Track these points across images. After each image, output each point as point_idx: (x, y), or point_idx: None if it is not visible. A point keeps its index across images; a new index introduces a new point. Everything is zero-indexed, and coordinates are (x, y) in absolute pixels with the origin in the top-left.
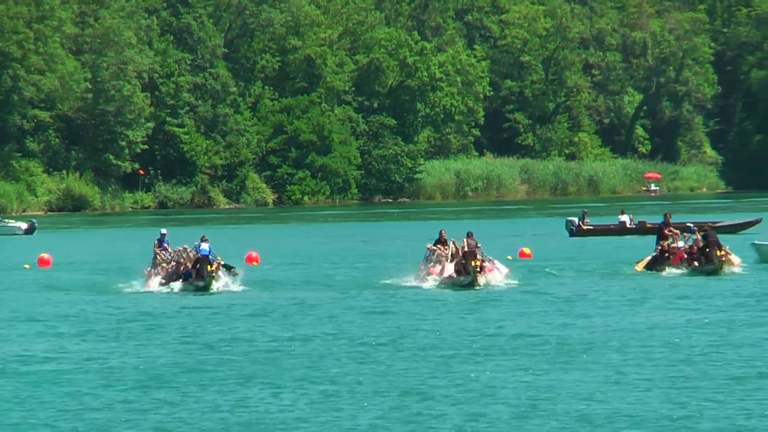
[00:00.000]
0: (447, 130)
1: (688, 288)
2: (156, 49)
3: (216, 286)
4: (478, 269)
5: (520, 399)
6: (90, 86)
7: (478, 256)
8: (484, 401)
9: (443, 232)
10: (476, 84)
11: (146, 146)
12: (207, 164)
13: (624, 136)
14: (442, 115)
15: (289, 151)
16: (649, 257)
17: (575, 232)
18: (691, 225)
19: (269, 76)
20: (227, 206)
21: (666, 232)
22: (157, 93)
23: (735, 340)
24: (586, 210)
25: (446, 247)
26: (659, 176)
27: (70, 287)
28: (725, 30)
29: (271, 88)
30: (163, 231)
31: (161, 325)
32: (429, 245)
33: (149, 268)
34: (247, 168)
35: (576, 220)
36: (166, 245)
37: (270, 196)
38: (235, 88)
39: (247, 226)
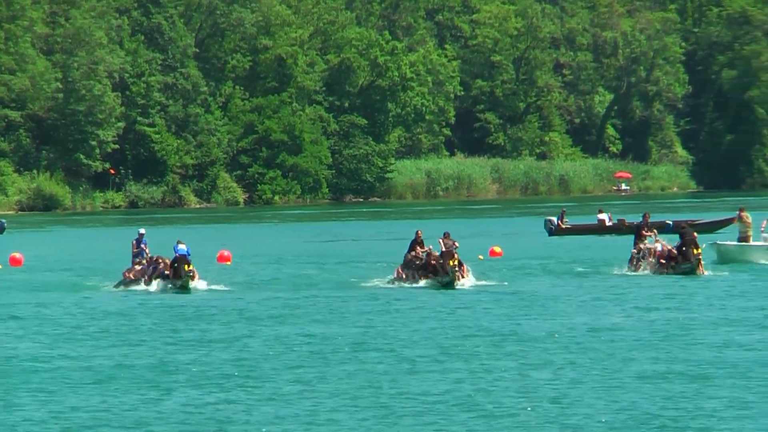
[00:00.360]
0: (418, 129)
1: (647, 289)
2: (127, 49)
3: (194, 285)
4: (456, 269)
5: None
6: (61, 86)
7: (456, 256)
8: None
9: (419, 232)
10: (447, 84)
11: (117, 146)
12: (178, 164)
13: (595, 135)
14: (413, 115)
15: (260, 150)
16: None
17: (554, 231)
18: (670, 223)
19: (240, 75)
20: (198, 206)
21: (644, 232)
22: (128, 93)
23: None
24: (565, 209)
25: (423, 248)
26: (630, 176)
27: (44, 287)
28: (696, 30)
29: (242, 88)
30: (142, 231)
31: (125, 325)
32: (406, 254)
33: (128, 269)
34: (218, 167)
35: (555, 219)
36: (144, 246)
37: (241, 196)
38: (206, 88)
39: (222, 225)
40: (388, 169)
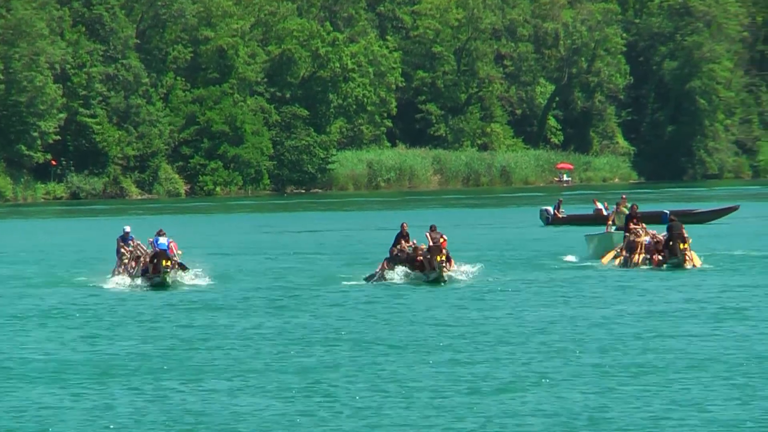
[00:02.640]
0: (359, 120)
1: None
2: (68, 40)
3: (171, 280)
4: (444, 263)
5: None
6: (2, 77)
7: (443, 251)
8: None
9: (405, 225)
10: (388, 75)
11: (58, 137)
12: (119, 155)
13: (536, 126)
14: (354, 106)
15: (202, 141)
16: (614, 251)
17: (550, 221)
18: (667, 212)
19: (181, 67)
20: (140, 197)
21: (631, 224)
22: (69, 84)
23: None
24: (561, 199)
25: (409, 242)
26: (572, 167)
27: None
28: (637, 20)
29: (184, 79)
30: (127, 229)
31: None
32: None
33: (115, 268)
34: (160, 159)
35: (551, 209)
36: (130, 242)
37: (182, 187)
38: (147, 79)
39: (179, 216)
40: (329, 160)
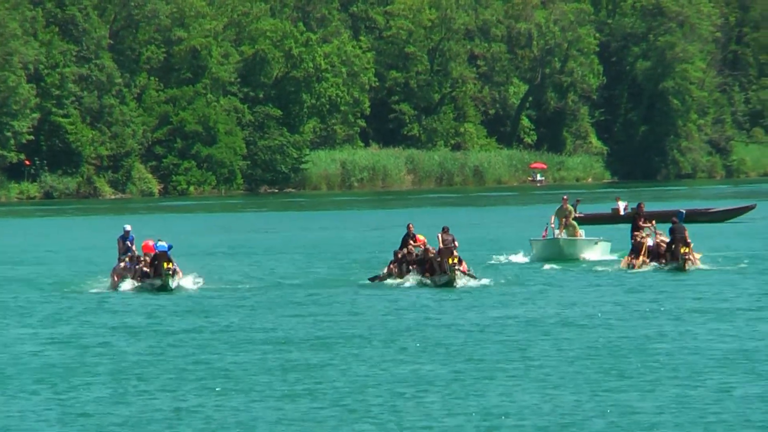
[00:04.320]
0: (332, 120)
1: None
2: (41, 40)
3: (174, 284)
4: (456, 267)
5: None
6: None
7: (455, 253)
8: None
9: (411, 226)
10: (361, 75)
11: (32, 137)
12: (93, 155)
13: (509, 126)
14: (327, 106)
15: (175, 141)
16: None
17: None
18: (683, 212)
19: (155, 67)
20: (113, 196)
21: (640, 223)
22: (42, 84)
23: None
24: (579, 199)
25: (417, 243)
26: (545, 166)
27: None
28: (610, 21)
29: (157, 79)
30: (127, 227)
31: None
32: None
33: (115, 269)
34: (133, 158)
35: None
36: (130, 243)
37: (156, 186)
38: (120, 79)
39: (156, 216)
40: (302, 159)
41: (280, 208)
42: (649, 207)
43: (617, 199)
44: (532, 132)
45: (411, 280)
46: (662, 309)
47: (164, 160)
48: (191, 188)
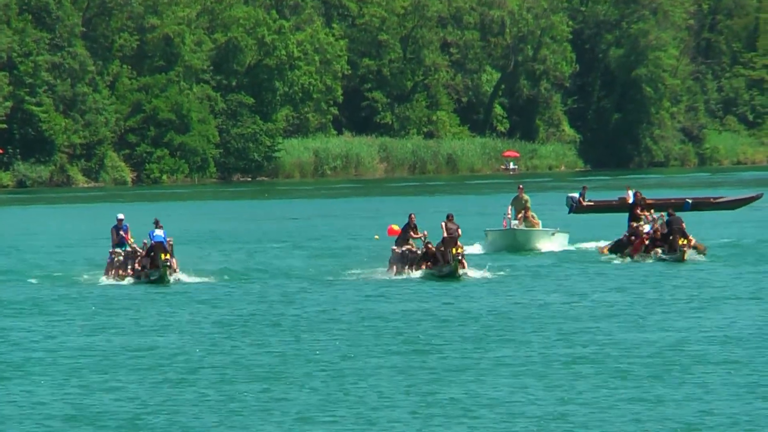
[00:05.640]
0: (305, 108)
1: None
2: (14, 28)
3: (172, 276)
4: (460, 257)
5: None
6: None
7: (459, 243)
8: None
9: (413, 216)
10: (334, 63)
11: (4, 125)
12: (66, 143)
13: (482, 114)
14: (300, 94)
15: (148, 129)
16: (613, 240)
17: (575, 208)
18: (689, 201)
19: (127, 54)
20: (86, 185)
21: (637, 212)
22: (15, 72)
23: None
24: (586, 186)
25: (417, 234)
26: (518, 155)
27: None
28: (583, 8)
29: (130, 67)
30: (120, 216)
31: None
32: (394, 248)
33: (109, 263)
34: (106, 147)
35: (576, 195)
36: (124, 233)
37: (129, 175)
38: (93, 67)
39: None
40: (275, 148)
41: (256, 196)
42: (653, 195)
43: (627, 188)
44: (504, 120)
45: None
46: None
47: (137, 149)
48: (164, 177)
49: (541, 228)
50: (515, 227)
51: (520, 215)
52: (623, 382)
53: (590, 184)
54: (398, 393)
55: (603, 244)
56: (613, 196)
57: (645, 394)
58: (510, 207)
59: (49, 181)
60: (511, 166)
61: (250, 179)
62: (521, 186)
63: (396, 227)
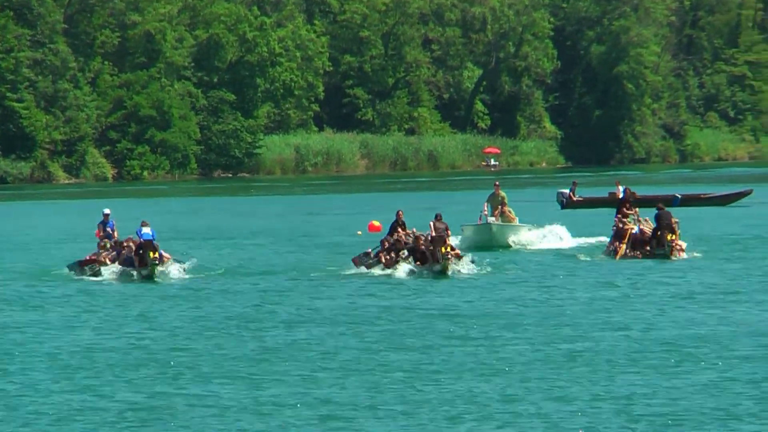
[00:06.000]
0: (287, 105)
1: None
2: None
3: (164, 266)
4: (449, 256)
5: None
6: None
7: (447, 242)
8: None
9: (401, 213)
10: (316, 59)
11: None
12: (47, 139)
13: (463, 111)
14: (281, 91)
15: (129, 126)
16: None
17: (566, 204)
18: (679, 196)
19: (109, 51)
20: (67, 181)
21: (625, 209)
22: None
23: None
24: (576, 181)
25: (406, 231)
26: (499, 151)
27: None
28: (564, 5)
29: (111, 64)
30: (106, 211)
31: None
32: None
33: (93, 253)
34: (87, 143)
35: (567, 191)
36: (110, 228)
37: (110, 171)
38: (74, 64)
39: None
40: (256, 144)
41: (237, 192)
42: (643, 191)
43: (617, 183)
44: (486, 116)
45: (401, 269)
46: (648, 298)
47: (118, 145)
48: (145, 173)
49: (517, 223)
50: (492, 222)
51: (496, 211)
52: (608, 377)
53: (569, 182)
54: (379, 391)
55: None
56: (596, 192)
57: (622, 390)
58: (486, 204)
59: (30, 178)
60: (492, 162)
61: (231, 176)
62: (497, 183)
63: (377, 223)
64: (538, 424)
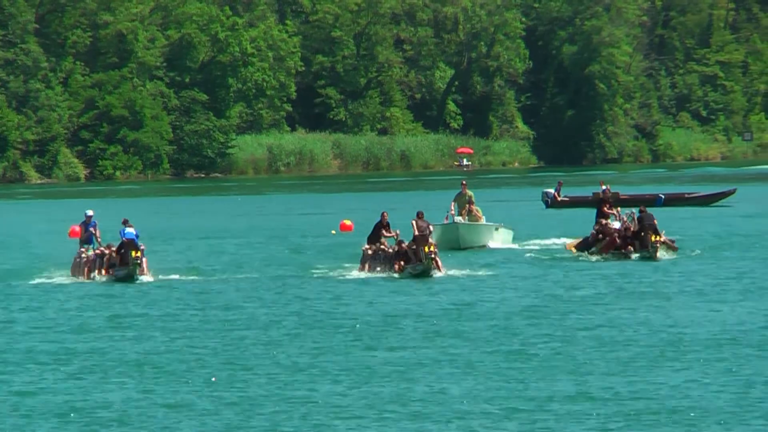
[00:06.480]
0: (259, 105)
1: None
2: None
3: (141, 273)
4: (433, 255)
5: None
6: None
7: (431, 241)
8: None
9: (385, 214)
10: (288, 59)
11: None
12: (18, 139)
13: (436, 111)
14: (253, 91)
15: (101, 126)
16: (581, 238)
17: (551, 203)
18: (662, 197)
19: (81, 51)
20: (39, 181)
21: (605, 209)
22: None
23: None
24: (562, 181)
25: (390, 232)
26: (471, 151)
27: None
28: (536, 5)
29: (83, 64)
30: (89, 212)
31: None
32: (364, 247)
33: (76, 260)
34: (59, 143)
35: (552, 191)
36: (93, 229)
37: (82, 171)
38: (46, 64)
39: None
40: (229, 144)
41: (208, 191)
42: (626, 191)
43: (601, 183)
44: (458, 116)
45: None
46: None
47: (90, 145)
48: (117, 173)
49: (484, 222)
50: (458, 221)
51: (464, 211)
52: (589, 377)
53: (546, 181)
54: (361, 392)
55: (569, 241)
56: (573, 192)
57: (599, 390)
58: (453, 203)
59: (2, 178)
60: (465, 162)
61: (203, 176)
62: (464, 182)
63: (348, 222)
64: (516, 426)
